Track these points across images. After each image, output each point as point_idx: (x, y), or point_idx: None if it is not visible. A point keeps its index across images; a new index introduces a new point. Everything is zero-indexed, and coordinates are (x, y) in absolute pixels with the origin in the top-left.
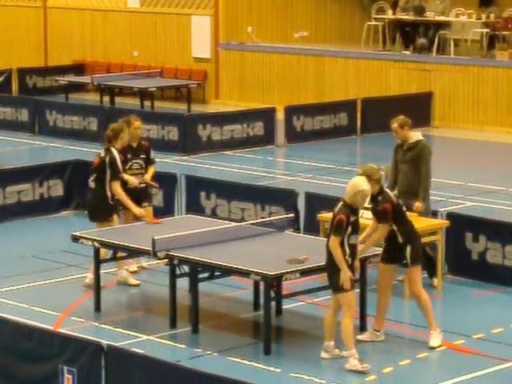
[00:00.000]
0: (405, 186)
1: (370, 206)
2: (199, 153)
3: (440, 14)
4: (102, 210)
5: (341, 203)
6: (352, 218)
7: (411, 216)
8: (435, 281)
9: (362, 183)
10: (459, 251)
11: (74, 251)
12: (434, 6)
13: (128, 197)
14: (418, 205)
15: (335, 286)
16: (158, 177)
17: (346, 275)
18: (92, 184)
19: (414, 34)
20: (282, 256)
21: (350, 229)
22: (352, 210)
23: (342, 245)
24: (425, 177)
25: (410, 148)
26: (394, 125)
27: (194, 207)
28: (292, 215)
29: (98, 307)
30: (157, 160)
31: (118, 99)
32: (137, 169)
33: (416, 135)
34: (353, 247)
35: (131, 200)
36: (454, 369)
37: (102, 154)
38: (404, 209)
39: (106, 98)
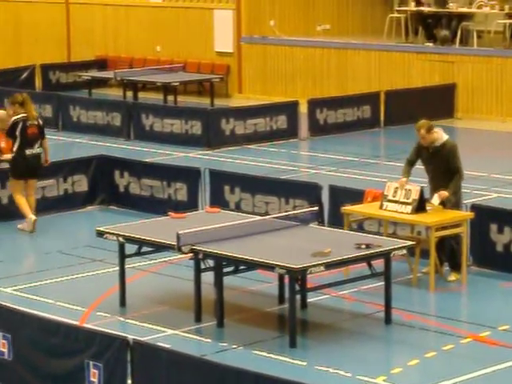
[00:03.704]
0: (439, 183)
1: (393, 198)
2: (223, 147)
3: (463, 5)
4: None
5: None
6: None
7: (436, 208)
8: (453, 276)
9: None
10: (484, 243)
11: (98, 246)
12: None
13: None
14: (442, 192)
15: None
16: (182, 171)
17: None
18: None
19: (437, 26)
20: (307, 249)
21: None
22: None
23: None
24: (460, 176)
25: (437, 150)
26: (421, 131)
27: (218, 201)
28: (316, 208)
29: (123, 302)
30: (181, 154)
31: (140, 94)
32: None
33: (441, 135)
34: None
35: None
36: (479, 361)
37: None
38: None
39: (129, 93)
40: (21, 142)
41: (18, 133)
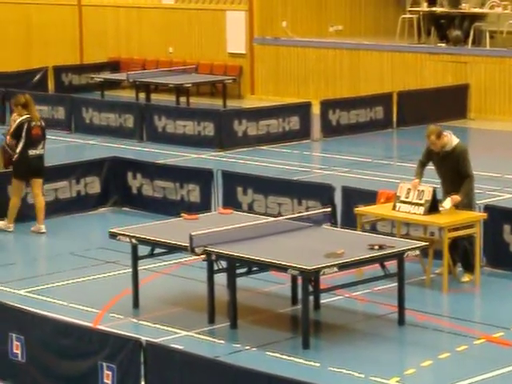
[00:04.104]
0: (450, 187)
1: (406, 199)
2: (235, 148)
3: (476, 5)
4: None
5: None
6: None
7: (448, 210)
8: (466, 277)
9: None
10: (497, 244)
11: (111, 248)
12: None
13: None
14: (454, 197)
15: None
16: (194, 172)
17: None
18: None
19: (449, 27)
20: (320, 250)
21: None
22: None
23: None
24: (470, 180)
25: (448, 154)
26: (431, 138)
27: (231, 203)
28: (329, 209)
29: (136, 303)
30: (193, 156)
31: (153, 96)
32: None
33: (451, 139)
34: None
35: None
36: (493, 361)
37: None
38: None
39: (142, 95)
40: (25, 143)
41: (23, 134)
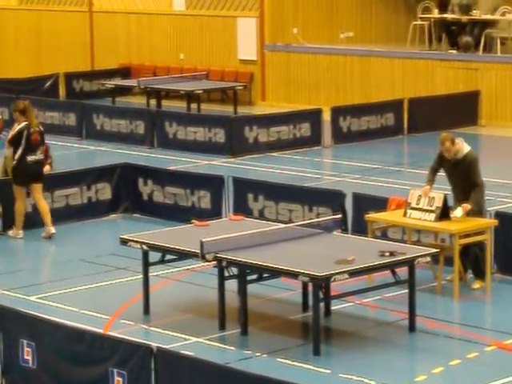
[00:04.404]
0: (461, 194)
1: (417, 206)
2: (246, 155)
3: (487, 12)
4: None
5: None
6: None
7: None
8: (477, 283)
9: None
10: (508, 250)
11: (122, 254)
12: (484, 2)
13: None
14: (465, 205)
15: None
16: (205, 179)
17: None
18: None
19: (460, 33)
20: (330, 257)
21: None
22: None
23: None
24: (479, 189)
25: (459, 162)
26: (447, 144)
27: (242, 209)
28: (340, 216)
29: (147, 310)
30: (204, 162)
31: (164, 102)
32: None
33: (462, 147)
34: None
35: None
36: (504, 368)
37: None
38: None
39: (153, 101)
40: (24, 149)
41: (23, 140)
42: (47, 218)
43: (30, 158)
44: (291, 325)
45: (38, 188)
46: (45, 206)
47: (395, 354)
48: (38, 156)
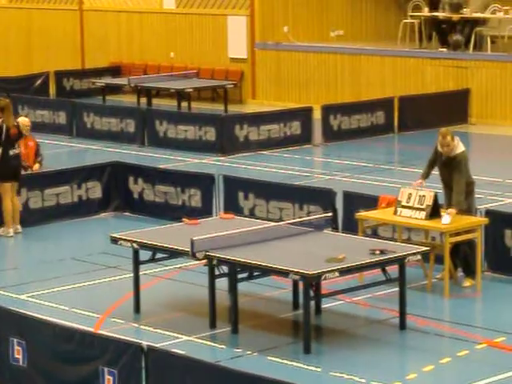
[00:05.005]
0: (450, 193)
1: (407, 204)
2: (236, 153)
3: (478, 10)
4: None
5: None
6: None
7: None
8: (467, 282)
9: None
10: (498, 248)
11: (113, 253)
12: (474, 0)
13: None
14: (450, 211)
15: None
16: (195, 177)
17: None
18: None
19: (451, 31)
20: (321, 255)
21: None
22: None
23: None
24: (460, 186)
25: (450, 160)
26: (448, 138)
27: (232, 207)
28: (330, 214)
29: (137, 308)
30: (195, 161)
31: (154, 100)
32: None
33: (458, 146)
34: None
35: None
36: (495, 366)
37: None
38: None
39: (143, 100)
40: (5, 145)
41: (2, 136)
42: (17, 215)
43: (12, 153)
44: (282, 323)
45: (15, 185)
46: (18, 205)
47: (386, 352)
48: (18, 150)
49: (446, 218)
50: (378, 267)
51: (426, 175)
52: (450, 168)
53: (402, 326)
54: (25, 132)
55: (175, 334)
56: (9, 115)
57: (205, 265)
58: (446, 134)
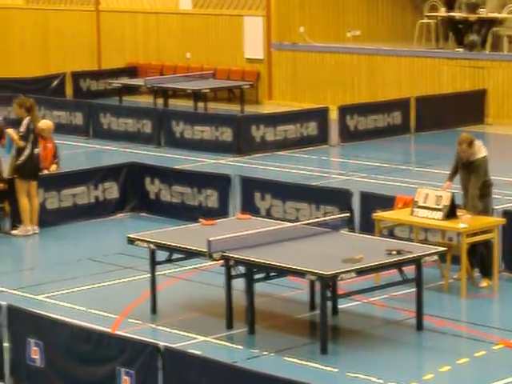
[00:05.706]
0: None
1: (424, 204)
2: (253, 153)
3: (494, 10)
4: None
5: None
6: None
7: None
8: (484, 282)
9: None
10: None
11: (129, 253)
12: (491, 0)
13: None
14: (466, 218)
15: None
16: (212, 178)
17: None
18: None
19: (467, 32)
20: (338, 256)
21: None
22: None
23: None
24: (474, 187)
25: (469, 164)
26: (463, 146)
27: (249, 208)
28: (347, 215)
29: (154, 309)
30: (211, 161)
31: (171, 101)
32: None
33: (478, 151)
34: None
35: None
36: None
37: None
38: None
39: (160, 100)
40: (34, 144)
41: (31, 134)
42: (36, 216)
43: (36, 151)
44: (298, 323)
45: (35, 184)
46: (37, 206)
47: (402, 352)
48: (39, 148)
49: (464, 224)
50: (395, 268)
51: (451, 178)
52: (469, 171)
53: (419, 326)
54: (46, 134)
55: (192, 335)
56: (35, 115)
57: (221, 265)
58: (462, 141)
